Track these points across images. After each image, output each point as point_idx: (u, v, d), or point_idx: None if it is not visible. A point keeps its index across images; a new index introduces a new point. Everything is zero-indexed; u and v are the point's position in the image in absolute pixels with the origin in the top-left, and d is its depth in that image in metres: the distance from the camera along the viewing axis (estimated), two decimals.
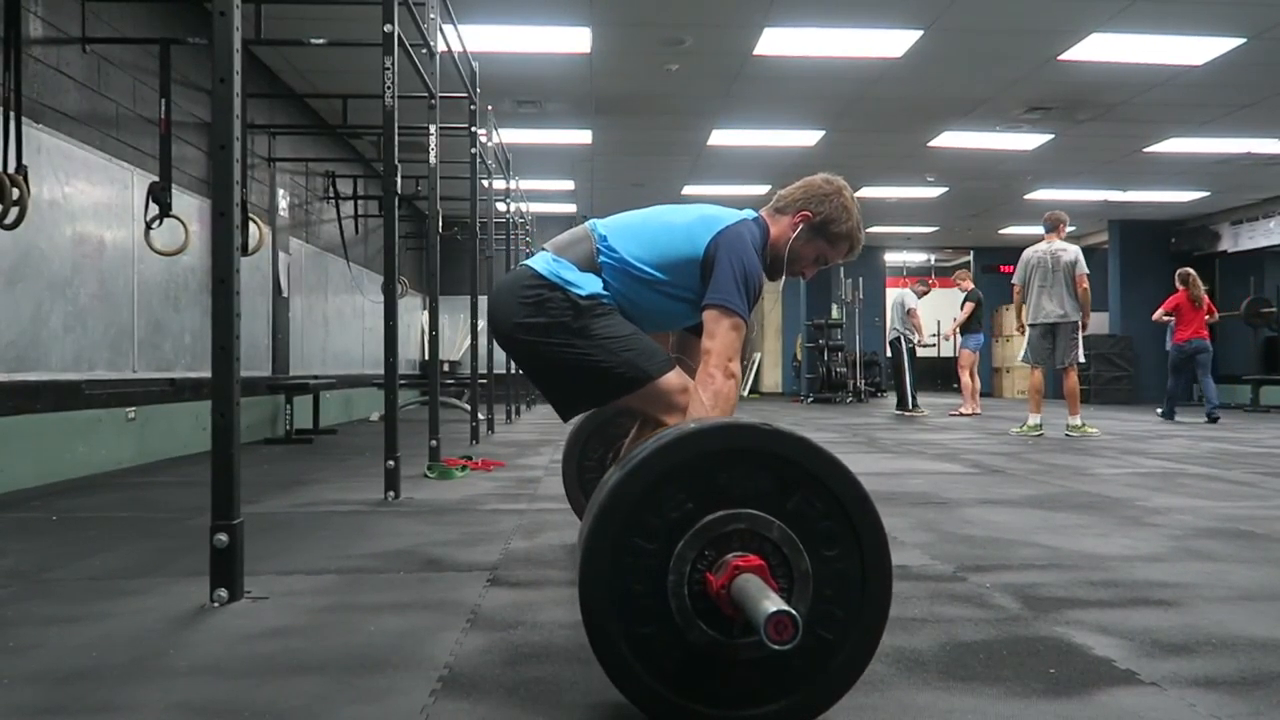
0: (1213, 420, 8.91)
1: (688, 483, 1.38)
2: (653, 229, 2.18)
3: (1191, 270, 9.38)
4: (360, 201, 9.30)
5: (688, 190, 12.02)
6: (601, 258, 2.14)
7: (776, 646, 1.20)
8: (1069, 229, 7.12)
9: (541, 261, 2.16)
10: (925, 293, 10.63)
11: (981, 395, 10.98)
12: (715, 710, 1.36)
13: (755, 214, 2.28)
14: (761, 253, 2.20)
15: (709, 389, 2.04)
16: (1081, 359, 6.96)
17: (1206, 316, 9.25)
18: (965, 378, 10.15)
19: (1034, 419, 7.03)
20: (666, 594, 1.36)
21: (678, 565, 1.36)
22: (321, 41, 5.43)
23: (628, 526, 1.36)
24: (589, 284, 2.11)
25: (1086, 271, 6.92)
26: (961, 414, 9.83)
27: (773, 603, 1.22)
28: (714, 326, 2.07)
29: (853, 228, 2.26)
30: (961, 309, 10.34)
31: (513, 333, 2.12)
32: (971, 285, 10.45)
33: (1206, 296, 9.38)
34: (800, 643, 1.24)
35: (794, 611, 1.20)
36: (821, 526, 1.39)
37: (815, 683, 1.38)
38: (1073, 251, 6.95)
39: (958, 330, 10.45)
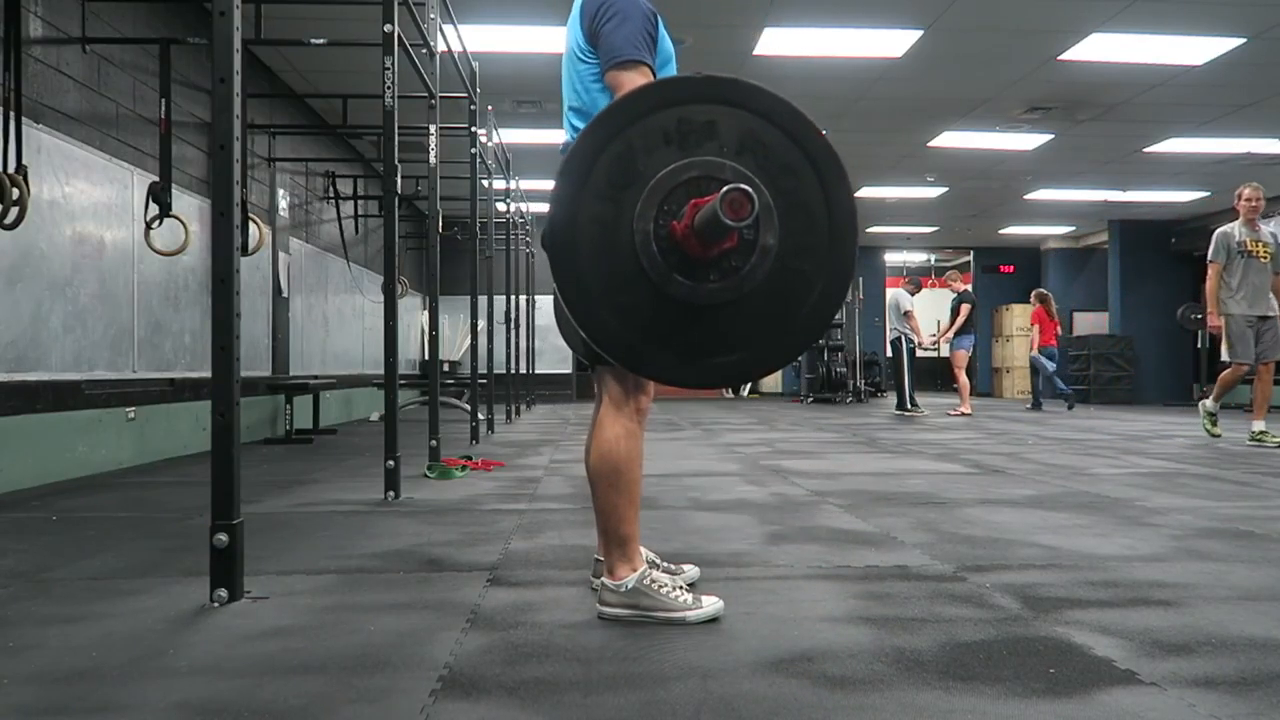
0: (1070, 408, 11.02)
1: (630, 151, 1.40)
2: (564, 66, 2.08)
3: (1046, 291, 11.64)
4: (360, 201, 9.30)
5: None
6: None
7: (735, 224, 1.22)
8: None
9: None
10: (915, 291, 10.63)
11: (981, 395, 11.02)
12: (685, 363, 1.42)
13: None
14: None
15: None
16: (1224, 357, 6.21)
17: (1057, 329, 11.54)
18: (963, 378, 10.17)
19: (1255, 424, 6.39)
20: (636, 253, 1.39)
21: (640, 224, 1.39)
22: (321, 41, 5.43)
23: (585, 206, 1.40)
24: None
25: (1209, 258, 6.21)
26: (963, 414, 9.83)
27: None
28: (618, 87, 1.82)
29: None
30: (954, 311, 10.31)
31: None
32: (964, 287, 10.44)
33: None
34: (773, 283, 1.25)
35: (747, 187, 1.23)
36: (775, 160, 1.41)
37: (788, 325, 1.41)
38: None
39: (951, 333, 10.44)
